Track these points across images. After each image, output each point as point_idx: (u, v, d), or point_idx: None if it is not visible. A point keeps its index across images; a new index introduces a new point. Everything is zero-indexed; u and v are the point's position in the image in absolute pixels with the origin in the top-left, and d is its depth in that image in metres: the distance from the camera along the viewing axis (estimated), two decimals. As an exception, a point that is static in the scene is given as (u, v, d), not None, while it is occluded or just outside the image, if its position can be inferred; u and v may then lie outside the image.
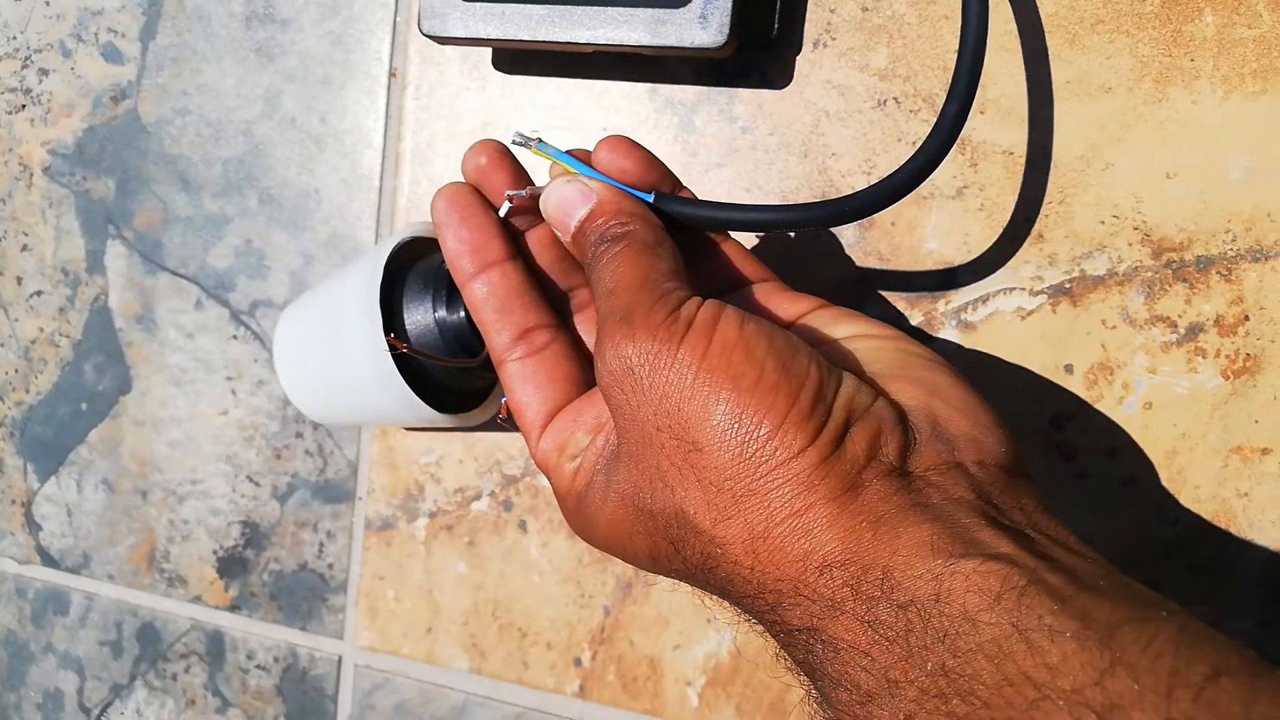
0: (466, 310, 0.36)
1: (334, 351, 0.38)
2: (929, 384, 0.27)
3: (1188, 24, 0.35)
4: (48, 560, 0.54)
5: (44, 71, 0.51)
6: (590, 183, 0.30)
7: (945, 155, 0.31)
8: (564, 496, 0.30)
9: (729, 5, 0.35)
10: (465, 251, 0.31)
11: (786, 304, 0.31)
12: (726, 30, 0.36)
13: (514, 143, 0.32)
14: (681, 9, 0.36)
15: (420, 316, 0.37)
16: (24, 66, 0.52)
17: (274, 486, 0.49)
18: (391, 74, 0.45)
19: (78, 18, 0.50)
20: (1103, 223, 0.36)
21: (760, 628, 0.25)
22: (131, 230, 0.50)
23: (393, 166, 0.45)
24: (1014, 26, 0.37)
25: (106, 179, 0.51)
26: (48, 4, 0.51)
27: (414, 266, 0.38)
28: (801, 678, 0.24)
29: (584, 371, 0.31)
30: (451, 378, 0.38)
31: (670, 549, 0.26)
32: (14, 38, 0.52)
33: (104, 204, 0.51)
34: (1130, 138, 0.36)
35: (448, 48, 0.43)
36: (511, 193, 0.31)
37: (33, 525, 0.54)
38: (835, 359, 0.28)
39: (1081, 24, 0.36)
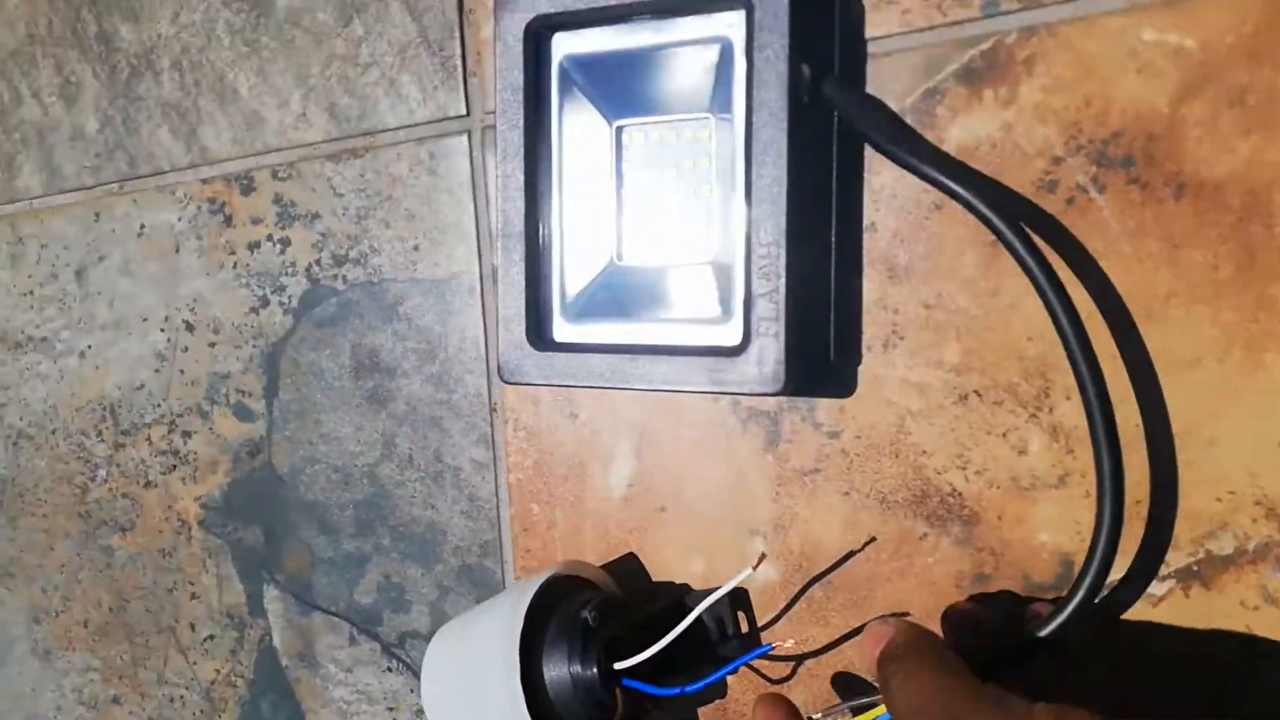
0: (599, 665, 0.38)
1: (476, 698, 0.40)
2: None
3: (1270, 287, 0.34)
4: None
5: (187, 434, 0.57)
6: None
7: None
8: None
9: (781, 353, 0.36)
10: None
11: None
12: (782, 377, 0.36)
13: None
14: (737, 358, 0.37)
15: (557, 670, 0.39)
16: (170, 430, 0.57)
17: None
18: (492, 410, 0.48)
19: (209, 383, 0.56)
20: (1219, 500, 0.35)
21: None
22: (283, 574, 0.54)
23: (505, 496, 0.47)
24: (1093, 307, 0.36)
25: (254, 528, 0.55)
26: (182, 372, 0.56)
27: (556, 610, 0.40)
28: None
29: None
30: None
31: None
32: (158, 405, 0.57)
33: (256, 551, 0.55)
34: (1230, 411, 0.34)
35: (537, 386, 0.46)
36: None
37: None
38: None
39: (1155, 298, 0.35)
